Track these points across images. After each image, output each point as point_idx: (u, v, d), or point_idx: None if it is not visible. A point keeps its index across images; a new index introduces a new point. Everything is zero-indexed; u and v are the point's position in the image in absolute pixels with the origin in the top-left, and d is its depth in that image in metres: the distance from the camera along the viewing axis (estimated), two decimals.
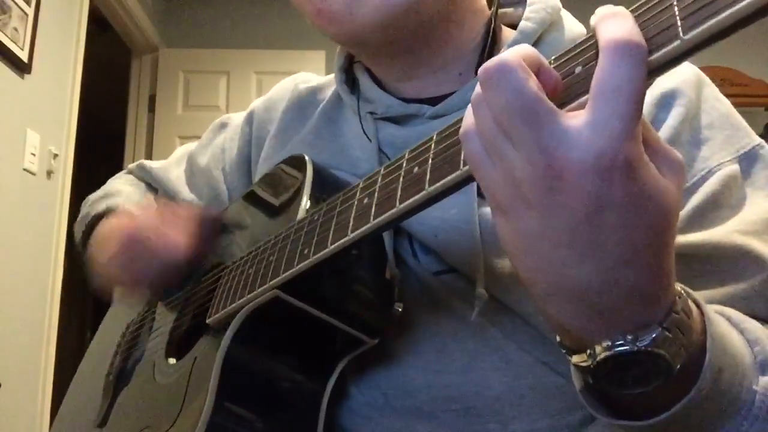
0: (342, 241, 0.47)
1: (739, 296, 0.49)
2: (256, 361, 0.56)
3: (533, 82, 0.32)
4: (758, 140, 0.57)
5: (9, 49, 2.03)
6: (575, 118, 0.31)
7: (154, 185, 0.88)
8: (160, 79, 3.38)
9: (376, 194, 0.46)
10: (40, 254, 2.28)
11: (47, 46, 2.28)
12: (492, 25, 0.64)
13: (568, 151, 0.30)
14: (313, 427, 0.56)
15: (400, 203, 0.43)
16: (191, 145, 0.90)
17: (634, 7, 0.32)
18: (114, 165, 3.34)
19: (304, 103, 0.77)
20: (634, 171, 0.31)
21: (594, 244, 0.32)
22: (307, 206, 0.58)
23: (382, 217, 0.44)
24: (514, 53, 0.32)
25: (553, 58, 0.36)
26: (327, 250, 0.48)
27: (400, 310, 0.57)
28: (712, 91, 0.60)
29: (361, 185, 0.49)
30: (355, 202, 0.48)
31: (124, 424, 0.68)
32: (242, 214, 0.72)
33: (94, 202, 0.85)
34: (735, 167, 0.54)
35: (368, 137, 0.66)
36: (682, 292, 0.36)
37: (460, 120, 0.38)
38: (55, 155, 2.34)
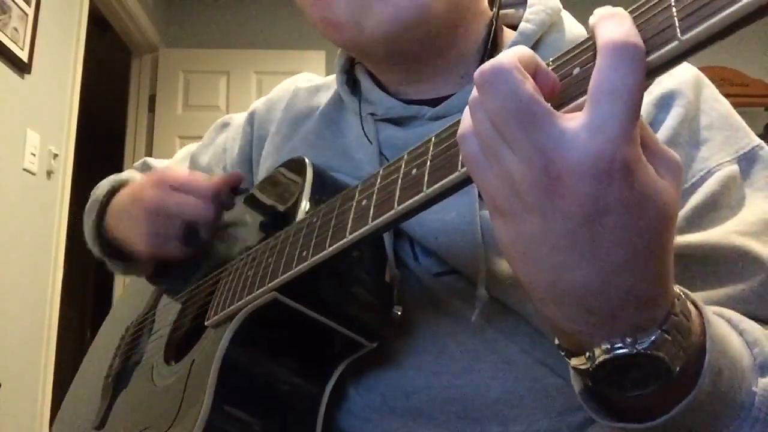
0: (340, 243, 0.47)
1: (737, 297, 0.49)
2: (255, 363, 0.56)
3: (529, 84, 0.31)
4: (757, 141, 0.57)
5: (9, 49, 2.03)
6: (572, 120, 0.31)
7: None
8: (160, 79, 3.38)
9: (374, 196, 0.46)
10: (40, 254, 2.28)
11: (47, 46, 2.28)
12: (493, 27, 0.64)
13: (565, 153, 0.30)
14: (311, 429, 0.56)
15: (399, 205, 0.42)
16: (193, 146, 0.91)
17: (632, 8, 0.32)
18: (114, 165, 3.34)
19: (304, 102, 0.78)
20: (632, 173, 0.30)
21: (592, 246, 0.32)
22: (307, 209, 0.57)
23: (381, 218, 0.44)
24: (509, 55, 0.32)
25: (551, 60, 0.36)
26: (325, 252, 0.48)
27: (399, 313, 0.56)
28: (711, 92, 0.60)
29: (359, 187, 0.49)
30: (354, 204, 0.48)
31: (122, 426, 0.67)
32: (244, 215, 0.72)
33: (100, 189, 0.85)
34: (734, 168, 0.54)
35: (368, 139, 0.66)
36: (681, 294, 0.36)
37: (459, 122, 0.38)
38: (55, 155, 2.34)
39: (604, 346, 0.34)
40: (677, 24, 0.29)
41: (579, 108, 0.32)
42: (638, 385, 0.35)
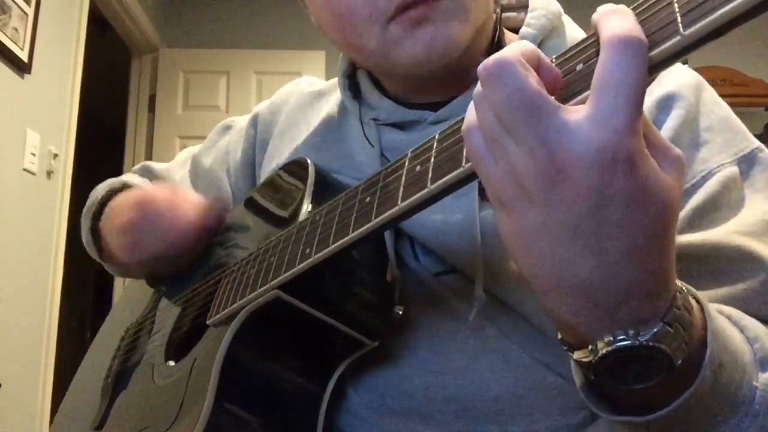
0: (344, 240, 0.47)
1: (738, 296, 0.49)
2: (256, 362, 0.56)
3: (532, 77, 0.32)
4: (757, 143, 0.57)
5: (9, 49, 2.03)
6: (576, 113, 0.31)
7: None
8: (160, 79, 3.37)
9: (377, 193, 0.46)
10: (40, 254, 2.27)
11: (47, 46, 2.28)
12: (497, 31, 0.64)
13: (569, 146, 0.31)
14: (312, 429, 0.56)
15: (402, 201, 0.43)
16: (195, 148, 0.91)
17: (635, 4, 0.32)
18: (114, 165, 3.35)
19: (308, 106, 0.78)
20: (635, 165, 0.31)
21: (595, 239, 0.32)
22: (309, 209, 0.58)
23: (384, 215, 0.44)
24: (512, 50, 0.33)
25: (554, 56, 0.36)
26: (329, 249, 0.48)
27: (400, 312, 0.56)
28: (711, 95, 0.60)
29: (362, 185, 0.49)
30: (357, 202, 0.48)
31: (121, 426, 0.67)
32: (245, 217, 0.72)
33: (101, 188, 0.86)
34: (734, 169, 0.54)
35: (370, 143, 0.66)
36: (683, 287, 0.37)
37: (462, 119, 0.38)
38: (55, 155, 2.34)
39: (606, 339, 0.34)
40: (679, 19, 0.30)
41: (583, 102, 0.32)
42: (640, 377, 0.35)
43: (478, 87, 0.34)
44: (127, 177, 0.86)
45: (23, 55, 2.12)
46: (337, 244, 0.48)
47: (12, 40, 2.05)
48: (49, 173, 2.31)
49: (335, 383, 0.58)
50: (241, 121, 0.86)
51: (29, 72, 2.16)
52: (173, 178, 0.87)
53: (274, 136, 0.78)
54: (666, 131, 0.55)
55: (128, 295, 0.93)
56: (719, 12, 0.28)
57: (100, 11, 2.90)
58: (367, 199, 0.47)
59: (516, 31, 0.65)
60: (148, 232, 0.68)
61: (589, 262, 0.32)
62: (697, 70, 0.63)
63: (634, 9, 0.32)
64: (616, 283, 0.33)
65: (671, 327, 0.34)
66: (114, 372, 0.76)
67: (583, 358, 0.36)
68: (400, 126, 0.66)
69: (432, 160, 0.41)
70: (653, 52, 0.31)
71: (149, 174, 0.89)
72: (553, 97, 0.32)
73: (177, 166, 0.90)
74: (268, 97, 0.86)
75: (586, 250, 0.32)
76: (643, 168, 0.31)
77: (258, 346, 0.56)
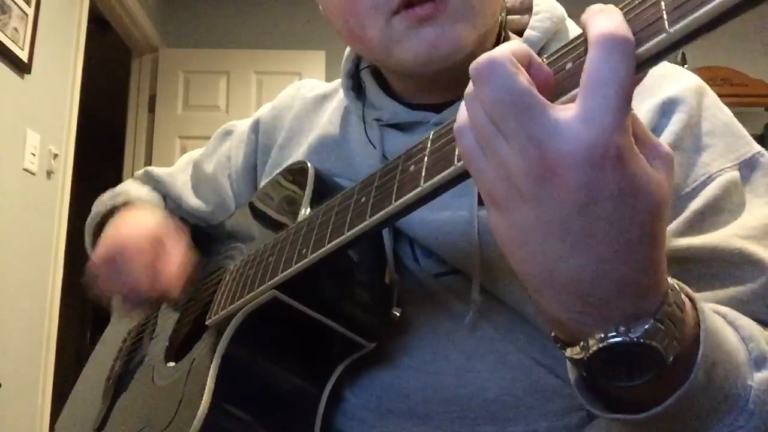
0: (339, 239, 0.47)
1: (738, 299, 0.49)
2: (254, 362, 0.56)
3: (522, 76, 0.32)
4: (758, 148, 0.58)
5: (9, 49, 2.03)
6: (565, 111, 0.31)
7: (160, 190, 0.88)
8: (160, 79, 3.38)
9: (372, 193, 0.46)
10: (40, 254, 2.28)
11: (47, 46, 2.28)
12: (502, 35, 0.64)
13: (559, 144, 0.31)
14: (310, 429, 0.56)
15: (396, 200, 0.43)
16: (195, 153, 0.91)
17: (623, 4, 0.33)
18: (114, 165, 3.36)
19: (311, 111, 0.78)
20: (624, 162, 0.31)
21: (585, 236, 0.32)
22: (308, 213, 0.58)
23: (379, 214, 0.44)
24: (503, 49, 0.33)
25: (545, 56, 0.36)
26: (325, 248, 0.48)
27: (398, 314, 0.57)
28: (713, 100, 0.61)
29: (358, 186, 0.49)
30: (353, 202, 0.48)
31: (121, 427, 0.68)
32: (246, 221, 0.72)
33: (110, 197, 0.86)
34: (735, 174, 0.55)
35: (373, 144, 0.66)
36: (675, 285, 0.37)
37: (453, 119, 0.38)
38: (55, 155, 2.34)
39: (597, 335, 0.34)
40: (665, 17, 0.30)
41: (572, 100, 0.32)
42: (632, 375, 0.35)
43: (470, 86, 0.34)
44: (132, 189, 0.85)
45: (23, 55, 2.12)
46: (332, 243, 0.48)
47: (12, 40, 2.05)
48: (49, 173, 2.31)
49: (333, 385, 0.58)
50: (241, 126, 0.86)
51: (29, 72, 2.17)
52: (175, 184, 0.87)
53: (278, 143, 0.77)
54: (668, 135, 0.55)
55: None
56: (704, 9, 0.29)
57: (100, 11, 2.91)
58: (363, 199, 0.47)
59: (520, 33, 0.65)
60: (113, 280, 0.67)
61: (580, 259, 0.33)
62: (696, 70, 0.64)
63: (621, 8, 0.33)
64: (607, 280, 0.33)
65: (662, 324, 0.34)
66: (115, 374, 0.77)
67: (575, 355, 0.36)
68: (403, 127, 0.66)
69: (425, 159, 0.42)
70: (640, 50, 0.31)
71: (152, 181, 0.89)
72: (542, 96, 0.32)
73: (179, 171, 0.90)
74: (268, 97, 0.86)
75: (577, 248, 0.33)
76: (632, 165, 0.31)
77: (256, 347, 0.56)
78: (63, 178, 2.41)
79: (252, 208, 0.72)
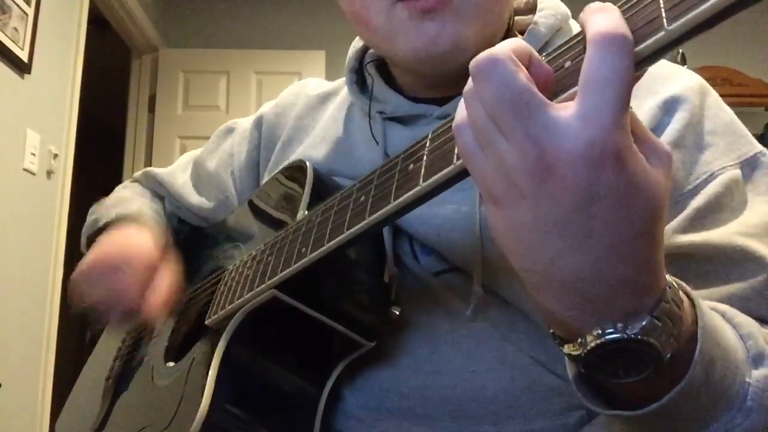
0: (339, 238, 0.47)
1: (738, 296, 0.49)
2: (254, 362, 0.56)
3: (523, 74, 0.32)
4: (760, 147, 0.58)
5: (9, 49, 2.03)
6: (564, 109, 0.31)
7: (160, 192, 0.88)
8: (160, 79, 3.37)
9: (371, 192, 0.46)
10: (40, 254, 2.28)
11: (47, 46, 2.28)
12: (508, 36, 0.64)
13: (558, 142, 0.31)
14: (309, 429, 0.56)
15: (395, 199, 0.43)
16: (197, 152, 0.91)
17: (621, 2, 0.33)
18: (114, 165, 3.36)
19: (314, 109, 0.78)
20: (623, 161, 0.31)
21: (584, 234, 0.32)
22: (306, 212, 0.58)
23: (378, 213, 0.44)
24: (503, 46, 0.33)
25: (543, 54, 0.36)
26: (324, 248, 0.48)
27: (397, 313, 0.57)
28: (715, 99, 0.61)
29: (357, 185, 0.49)
30: (352, 201, 0.48)
31: (121, 427, 0.68)
32: (245, 219, 0.72)
33: (105, 206, 0.85)
34: (737, 172, 0.55)
35: (376, 140, 0.66)
36: (673, 282, 0.37)
37: (452, 117, 0.38)
38: (55, 155, 2.34)
39: (595, 332, 0.34)
40: (663, 14, 0.30)
41: (571, 98, 0.32)
42: (630, 371, 0.35)
43: (469, 83, 0.34)
44: (132, 200, 0.84)
45: (23, 55, 2.12)
46: (332, 243, 0.48)
47: (12, 40, 2.05)
48: (49, 173, 2.31)
49: (332, 385, 0.58)
50: (243, 123, 0.85)
51: (29, 72, 2.17)
52: (175, 183, 0.86)
53: (282, 141, 0.77)
54: (670, 133, 0.56)
55: None
56: (702, 7, 0.29)
57: (100, 11, 2.90)
58: (362, 198, 0.47)
59: (524, 33, 0.65)
60: (102, 288, 0.67)
61: (578, 256, 0.33)
62: (696, 70, 0.64)
63: (620, 6, 0.33)
64: (605, 277, 0.33)
65: (660, 321, 0.34)
66: (115, 374, 0.77)
67: (573, 351, 0.36)
68: (406, 121, 0.66)
69: (425, 158, 0.42)
70: (638, 48, 0.31)
71: (152, 182, 0.89)
72: (541, 94, 0.32)
73: (179, 170, 0.89)
74: (268, 97, 0.86)
75: (575, 245, 0.33)
76: (631, 164, 0.31)
77: (255, 347, 0.56)
78: (63, 178, 2.41)
79: (251, 207, 0.72)
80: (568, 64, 0.35)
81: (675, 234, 0.52)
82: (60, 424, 0.84)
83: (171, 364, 0.66)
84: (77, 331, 4.70)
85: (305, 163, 0.63)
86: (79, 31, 2.55)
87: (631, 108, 0.32)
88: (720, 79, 3.05)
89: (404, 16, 0.56)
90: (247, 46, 3.47)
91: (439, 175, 0.40)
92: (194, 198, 0.84)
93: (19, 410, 2.12)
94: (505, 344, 0.56)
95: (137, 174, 0.93)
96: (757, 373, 0.40)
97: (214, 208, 0.82)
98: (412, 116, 0.65)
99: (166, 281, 0.68)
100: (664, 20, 0.30)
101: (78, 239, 0.89)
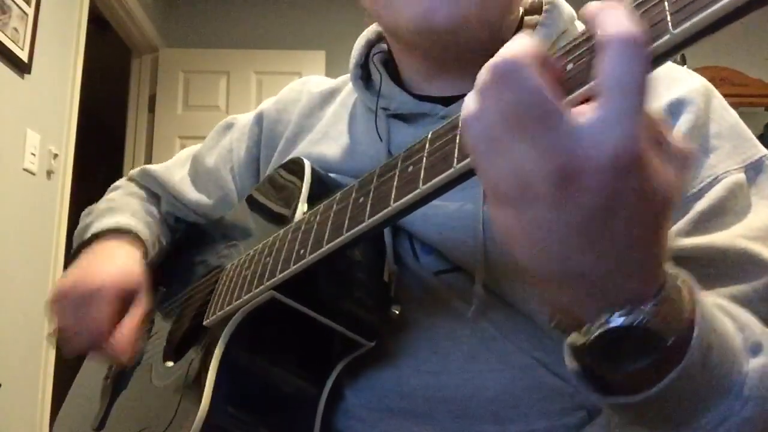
0: (337, 241, 0.47)
1: (740, 298, 0.49)
2: (253, 363, 0.56)
3: (546, 81, 0.31)
4: (765, 151, 0.58)
5: (9, 49, 2.03)
6: (584, 116, 0.31)
7: (157, 191, 0.88)
8: (160, 79, 3.38)
9: (371, 194, 0.46)
10: (40, 254, 2.27)
11: (47, 46, 2.28)
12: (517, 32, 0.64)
13: (584, 151, 0.30)
14: (309, 429, 0.56)
15: (394, 202, 0.43)
16: (194, 147, 0.90)
17: (627, 3, 0.32)
18: (114, 165, 3.36)
19: (318, 107, 0.78)
20: (645, 165, 0.31)
21: (600, 236, 0.32)
22: (305, 210, 0.58)
23: (376, 216, 0.44)
24: (524, 49, 0.32)
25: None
26: (322, 250, 0.48)
27: (397, 312, 0.57)
28: (720, 102, 0.61)
29: (356, 185, 0.49)
30: (351, 203, 0.48)
31: (121, 427, 0.68)
32: (243, 216, 0.72)
33: (94, 214, 0.84)
34: (741, 176, 0.55)
35: (380, 136, 0.66)
36: (673, 271, 0.37)
37: (454, 119, 0.38)
38: (55, 155, 2.34)
39: (599, 320, 0.35)
40: (669, 18, 0.30)
41: (574, 103, 0.32)
42: (632, 358, 0.35)
43: (485, 78, 0.33)
44: (123, 210, 0.83)
45: (23, 55, 2.12)
46: (330, 245, 0.48)
47: (12, 40, 2.05)
48: (49, 173, 2.31)
49: (333, 384, 0.58)
50: (243, 119, 0.85)
51: (29, 72, 2.17)
52: (173, 179, 0.86)
53: (284, 138, 0.77)
54: (675, 136, 0.55)
55: None
56: (707, 11, 0.29)
57: (100, 11, 2.90)
58: (361, 200, 0.47)
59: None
60: (72, 314, 0.68)
61: (592, 256, 0.33)
62: (696, 70, 0.64)
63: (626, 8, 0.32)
64: (618, 272, 0.33)
65: (662, 307, 0.34)
66: (114, 373, 0.76)
67: (577, 341, 0.36)
68: (409, 119, 0.65)
69: (424, 160, 0.42)
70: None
71: (149, 180, 0.88)
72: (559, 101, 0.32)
73: (177, 166, 0.89)
74: (268, 97, 0.85)
75: (590, 246, 0.33)
76: (652, 166, 0.31)
77: (254, 348, 0.56)
78: (63, 178, 2.41)
79: (249, 203, 0.72)
80: (570, 66, 0.34)
81: (678, 237, 0.52)
82: (59, 423, 0.84)
83: (170, 364, 0.66)
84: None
85: (303, 161, 0.63)
86: (79, 31, 2.55)
87: (649, 108, 0.32)
88: (720, 79, 3.04)
89: None
90: (247, 46, 3.47)
91: (439, 178, 0.39)
92: (192, 194, 0.83)
93: (19, 410, 2.12)
94: (507, 345, 0.56)
95: (133, 172, 0.92)
96: (754, 362, 0.40)
97: (213, 205, 0.81)
98: (416, 114, 0.65)
99: (133, 318, 0.69)
100: (670, 24, 0.30)
101: None
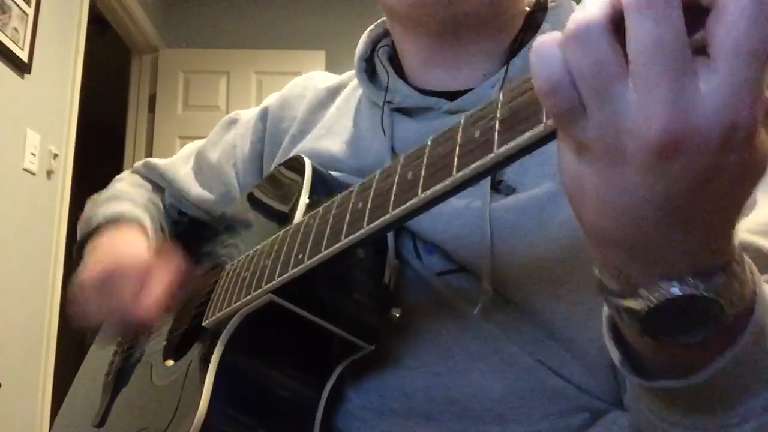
0: (335, 246, 0.47)
1: None
2: (251, 365, 0.56)
3: (681, 21, 0.27)
4: None
5: (9, 49, 2.03)
6: (707, 82, 0.27)
7: (161, 184, 0.88)
8: (160, 79, 3.38)
9: (370, 200, 0.46)
10: (40, 254, 2.28)
11: (47, 46, 2.28)
12: (521, 32, 0.64)
13: (695, 120, 0.27)
14: (309, 431, 0.56)
15: (393, 209, 0.42)
16: (198, 143, 0.89)
17: None
18: (114, 165, 3.35)
19: (323, 103, 0.77)
20: (752, 138, 0.28)
21: (689, 209, 0.30)
22: (305, 210, 0.58)
23: (375, 223, 0.44)
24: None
25: None
26: (320, 255, 0.48)
27: (397, 315, 0.56)
28: None
29: (356, 190, 0.49)
30: (350, 207, 0.48)
31: (121, 425, 0.68)
32: (244, 214, 0.72)
33: (99, 203, 0.84)
34: None
35: (384, 130, 0.65)
36: (738, 249, 0.35)
37: (452, 127, 0.38)
38: (55, 155, 2.34)
39: (662, 287, 0.32)
40: None
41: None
42: (689, 330, 0.33)
43: (582, 27, 0.28)
44: (128, 199, 0.83)
45: (23, 55, 2.12)
46: (328, 250, 0.48)
47: (12, 40, 2.05)
48: (49, 173, 2.31)
49: (335, 385, 0.58)
50: (246, 115, 0.85)
51: (29, 72, 2.17)
52: (177, 174, 0.86)
53: (289, 134, 0.77)
54: None
55: None
56: None
57: (100, 11, 2.90)
58: (360, 205, 0.47)
59: (534, 31, 0.65)
60: (102, 303, 0.67)
61: (669, 226, 0.30)
62: None
63: None
64: (692, 242, 0.31)
65: (729, 280, 0.32)
66: (115, 369, 0.76)
67: (633, 305, 0.34)
68: (414, 113, 0.65)
69: (424, 167, 0.41)
70: None
71: (153, 173, 0.88)
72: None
73: (181, 161, 0.88)
74: (267, 97, 0.85)
75: (674, 218, 0.30)
76: (759, 139, 0.28)
77: (253, 350, 0.56)
78: (63, 178, 2.41)
79: (250, 200, 0.72)
80: None
81: None
82: (60, 420, 0.84)
83: (170, 363, 0.66)
84: (77, 330, 4.71)
85: (304, 159, 0.63)
86: (79, 31, 2.55)
87: None
88: None
89: None
90: (247, 46, 3.47)
91: (438, 186, 0.39)
92: (196, 190, 0.83)
93: (19, 410, 2.12)
94: (511, 346, 0.55)
95: (137, 164, 0.92)
96: None
97: (216, 201, 0.81)
98: (420, 109, 0.65)
99: (160, 282, 0.67)
100: None
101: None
